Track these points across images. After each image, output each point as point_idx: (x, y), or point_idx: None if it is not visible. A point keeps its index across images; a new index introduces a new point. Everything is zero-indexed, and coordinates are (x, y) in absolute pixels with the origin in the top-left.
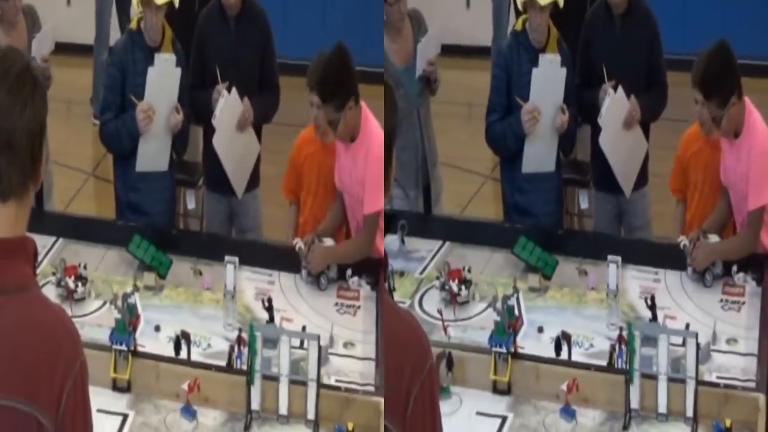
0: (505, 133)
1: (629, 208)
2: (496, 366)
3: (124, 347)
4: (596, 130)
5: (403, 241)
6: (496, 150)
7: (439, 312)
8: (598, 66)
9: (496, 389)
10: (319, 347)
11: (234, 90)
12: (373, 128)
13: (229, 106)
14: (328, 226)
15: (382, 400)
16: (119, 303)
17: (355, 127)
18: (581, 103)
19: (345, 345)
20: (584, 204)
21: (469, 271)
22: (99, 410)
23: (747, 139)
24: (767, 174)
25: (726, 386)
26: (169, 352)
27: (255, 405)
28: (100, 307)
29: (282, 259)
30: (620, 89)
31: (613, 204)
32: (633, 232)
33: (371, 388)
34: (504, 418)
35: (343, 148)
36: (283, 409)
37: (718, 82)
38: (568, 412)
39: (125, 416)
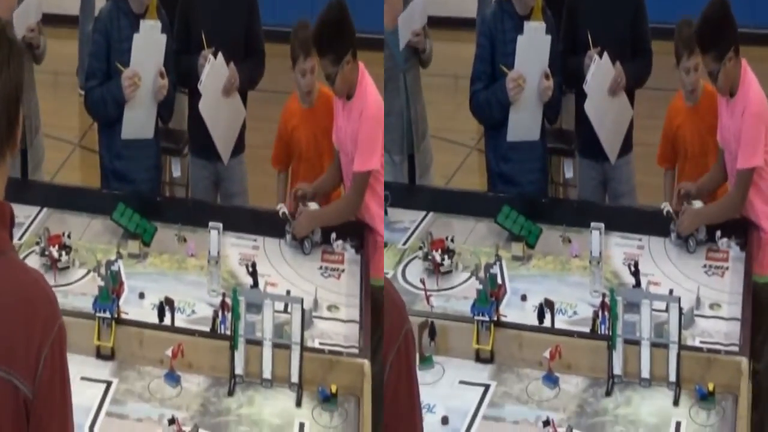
0: (489, 101)
1: (614, 175)
2: (478, 335)
3: (107, 315)
4: (581, 96)
5: (386, 212)
6: (480, 118)
7: (422, 282)
8: (582, 33)
9: (479, 358)
10: (303, 310)
11: (220, 55)
12: (370, 87)
13: (215, 71)
14: (323, 185)
15: (366, 361)
16: (102, 271)
17: (352, 83)
18: (565, 70)
19: (329, 308)
20: (569, 173)
21: (452, 240)
22: (83, 378)
23: (742, 99)
24: (759, 135)
25: (709, 351)
26: (153, 319)
27: (239, 369)
28: (84, 276)
29: (266, 224)
30: (605, 55)
31: (598, 171)
32: (618, 198)
33: (355, 351)
34: (487, 387)
35: (341, 106)
36: (266, 373)
37: (716, 34)
38: (551, 379)
39: (109, 383)
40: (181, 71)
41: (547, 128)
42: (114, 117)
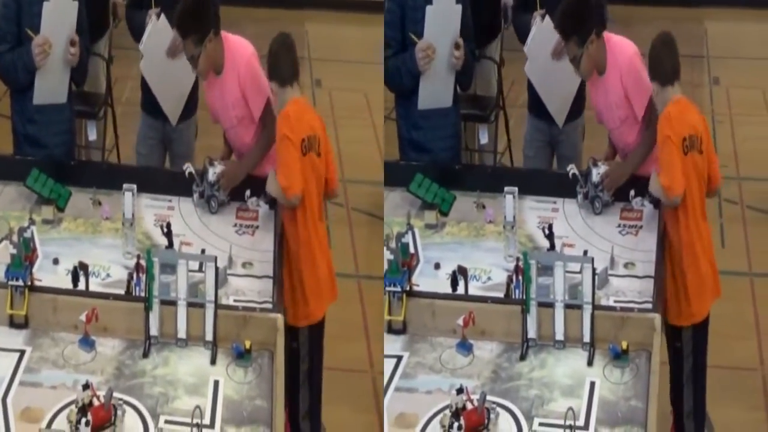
0: (399, 70)
1: (561, 139)
2: (390, 305)
3: (20, 282)
4: None
5: None
6: (390, 85)
7: None
8: None
9: (391, 329)
10: (216, 269)
11: (163, 16)
12: (237, 48)
13: (156, 31)
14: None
15: (279, 316)
16: (14, 238)
17: (218, 60)
18: (516, 25)
19: (244, 265)
20: (484, 139)
21: None
22: None
23: (613, 68)
24: (643, 78)
25: (623, 309)
26: (68, 284)
27: (153, 331)
28: None
29: (182, 184)
30: (547, 18)
31: (545, 133)
32: (561, 162)
33: (269, 305)
34: (399, 358)
35: (210, 83)
36: (181, 333)
37: (575, 20)
38: (465, 347)
39: (22, 352)
40: (132, 26)
41: (460, 94)
42: (25, 83)
